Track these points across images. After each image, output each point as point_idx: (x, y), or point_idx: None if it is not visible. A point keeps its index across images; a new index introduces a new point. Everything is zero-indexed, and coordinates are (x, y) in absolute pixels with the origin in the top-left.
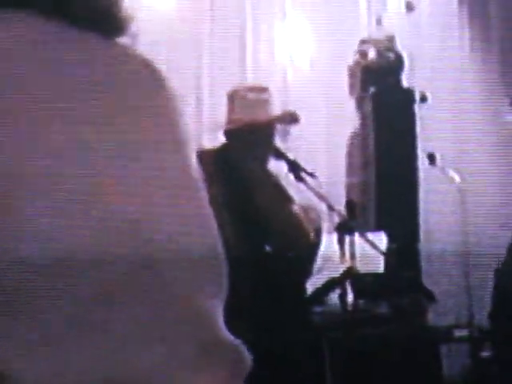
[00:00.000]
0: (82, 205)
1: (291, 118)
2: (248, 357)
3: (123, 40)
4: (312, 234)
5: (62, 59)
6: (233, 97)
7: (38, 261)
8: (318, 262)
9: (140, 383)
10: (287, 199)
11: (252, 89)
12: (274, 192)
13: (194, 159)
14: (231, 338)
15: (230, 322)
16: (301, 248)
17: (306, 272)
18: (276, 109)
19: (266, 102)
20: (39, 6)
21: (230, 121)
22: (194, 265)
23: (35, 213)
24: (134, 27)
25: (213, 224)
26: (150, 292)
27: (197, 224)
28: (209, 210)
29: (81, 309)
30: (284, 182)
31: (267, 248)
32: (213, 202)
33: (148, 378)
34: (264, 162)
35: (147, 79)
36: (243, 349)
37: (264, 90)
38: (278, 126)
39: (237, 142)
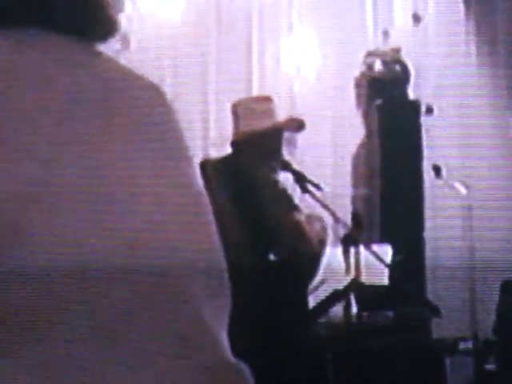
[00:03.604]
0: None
1: (297, 125)
2: (250, 378)
3: (114, 42)
4: (316, 244)
5: (66, 75)
6: (237, 108)
7: (46, 275)
8: (323, 273)
9: None
10: (292, 208)
11: (255, 99)
12: (280, 201)
13: (197, 173)
14: (232, 359)
15: (232, 333)
16: (304, 257)
17: (308, 281)
18: (281, 117)
19: (270, 112)
20: (41, 22)
21: (236, 132)
22: (203, 278)
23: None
24: (123, 30)
25: (216, 238)
26: (161, 304)
27: (202, 237)
28: (213, 225)
29: (96, 322)
30: (290, 192)
31: (271, 256)
32: (219, 210)
33: None
34: (271, 171)
35: (151, 97)
36: (245, 370)
37: (267, 99)
38: (285, 135)
39: (244, 152)
